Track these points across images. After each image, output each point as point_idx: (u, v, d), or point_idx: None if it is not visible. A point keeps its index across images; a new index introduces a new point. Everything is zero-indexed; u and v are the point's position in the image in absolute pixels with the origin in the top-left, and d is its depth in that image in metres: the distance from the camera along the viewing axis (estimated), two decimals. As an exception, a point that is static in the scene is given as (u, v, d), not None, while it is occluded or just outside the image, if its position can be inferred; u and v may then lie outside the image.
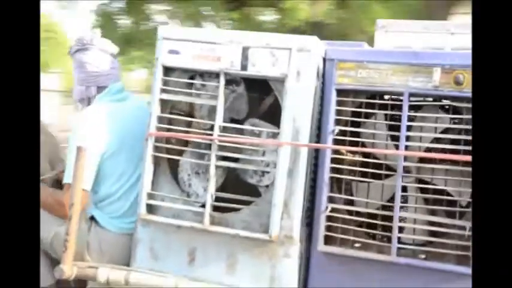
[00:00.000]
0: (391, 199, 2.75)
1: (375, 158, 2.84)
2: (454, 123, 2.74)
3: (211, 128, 2.91)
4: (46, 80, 14.76)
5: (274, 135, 2.86)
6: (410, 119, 2.74)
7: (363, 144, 2.84)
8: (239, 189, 2.96)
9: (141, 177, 3.02)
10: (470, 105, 2.63)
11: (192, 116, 3.04)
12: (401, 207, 2.71)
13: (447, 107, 2.79)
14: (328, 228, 2.81)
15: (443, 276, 2.65)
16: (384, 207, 2.78)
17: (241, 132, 2.93)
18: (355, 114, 2.85)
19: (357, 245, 2.80)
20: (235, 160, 2.92)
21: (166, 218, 2.96)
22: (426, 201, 2.76)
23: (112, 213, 3.24)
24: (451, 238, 2.66)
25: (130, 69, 16.74)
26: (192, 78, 3.00)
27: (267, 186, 2.87)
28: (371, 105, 2.82)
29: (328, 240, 2.81)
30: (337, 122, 2.83)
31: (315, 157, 2.89)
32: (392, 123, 2.78)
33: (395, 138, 2.75)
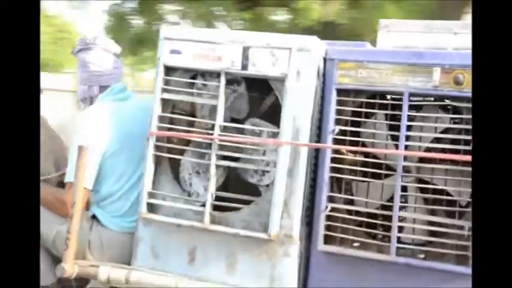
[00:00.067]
0: (391, 199, 2.74)
1: (375, 157, 2.84)
2: (454, 123, 2.74)
3: (213, 127, 2.92)
4: (60, 80, 14.81)
5: (275, 135, 2.86)
6: (411, 118, 2.74)
7: (363, 144, 2.84)
8: (240, 188, 2.97)
9: (142, 177, 3.03)
10: (470, 105, 2.62)
11: (194, 116, 3.05)
12: (401, 207, 2.71)
13: (448, 107, 2.79)
14: (328, 228, 2.81)
15: (442, 276, 2.65)
16: (383, 207, 2.77)
17: (242, 131, 2.94)
18: (355, 114, 2.85)
19: (356, 244, 2.79)
20: (236, 159, 2.93)
21: (166, 217, 2.97)
22: (426, 201, 2.75)
23: (113, 212, 3.25)
24: (450, 238, 2.66)
25: (143, 70, 16.80)
26: (193, 77, 3.02)
27: (267, 185, 2.88)
28: (371, 105, 2.82)
29: (328, 240, 2.81)
30: (338, 122, 2.83)
31: (315, 157, 2.89)
32: (393, 123, 2.77)
33: (395, 138, 2.75)
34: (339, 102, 2.83)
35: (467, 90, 2.62)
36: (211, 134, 2.92)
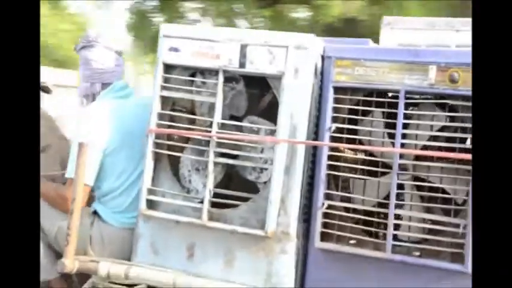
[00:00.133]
0: (388, 196, 2.75)
1: (372, 155, 2.84)
2: (450, 121, 2.73)
3: (211, 124, 2.94)
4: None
5: (272, 133, 2.88)
6: (407, 116, 2.74)
7: (360, 142, 2.84)
8: (239, 185, 2.99)
9: (142, 173, 3.06)
10: (465, 103, 2.63)
11: (194, 113, 3.08)
12: (397, 205, 2.71)
13: (444, 105, 2.78)
14: (325, 225, 2.83)
15: (438, 274, 2.65)
16: (380, 205, 2.78)
17: (240, 129, 2.96)
18: (352, 111, 2.85)
19: (352, 241, 2.80)
20: (234, 157, 2.95)
21: (165, 214, 3.00)
22: (422, 199, 2.75)
23: (114, 208, 3.29)
24: (445, 236, 2.65)
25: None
26: (193, 75, 3.03)
27: (265, 182, 2.89)
28: (368, 103, 2.82)
29: (324, 237, 2.83)
30: (335, 120, 2.84)
31: (313, 154, 2.90)
32: (389, 120, 2.77)
33: (392, 136, 2.75)
34: (336, 100, 2.84)
35: (462, 88, 2.62)
36: (210, 132, 2.93)
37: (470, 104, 2.60)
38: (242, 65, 2.90)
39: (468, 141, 2.63)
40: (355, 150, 2.90)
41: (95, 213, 3.29)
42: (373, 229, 2.78)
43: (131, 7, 12.17)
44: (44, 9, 14.48)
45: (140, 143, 3.09)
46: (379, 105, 2.81)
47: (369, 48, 2.88)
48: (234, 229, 2.86)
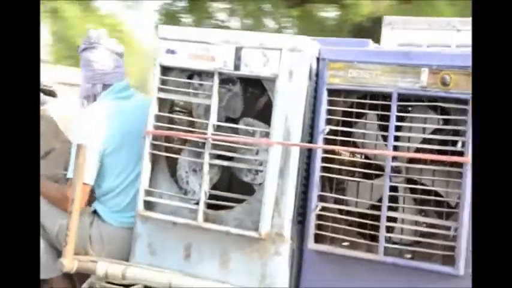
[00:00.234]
0: (381, 199, 2.74)
1: (366, 157, 2.84)
2: (443, 124, 2.72)
3: (208, 126, 2.96)
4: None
5: (268, 135, 2.89)
6: (401, 119, 2.73)
7: (354, 144, 2.84)
8: (235, 187, 3.02)
9: (140, 173, 3.10)
10: (457, 106, 2.62)
11: (192, 115, 3.10)
12: (390, 207, 2.71)
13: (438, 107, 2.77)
14: (319, 227, 2.83)
15: (429, 276, 2.65)
16: (373, 207, 2.78)
17: (236, 131, 2.97)
18: (346, 114, 2.85)
19: (345, 243, 2.81)
20: (230, 158, 2.97)
21: (162, 215, 3.03)
22: (415, 201, 2.75)
23: (113, 207, 3.33)
24: (437, 238, 2.65)
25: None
26: (190, 77, 3.06)
27: (260, 184, 2.91)
28: (362, 105, 2.82)
29: (318, 239, 2.84)
30: (329, 122, 2.84)
31: (307, 156, 2.90)
32: (382, 123, 2.77)
33: (386, 139, 2.74)
34: (330, 102, 2.84)
35: (454, 91, 2.61)
36: (207, 133, 2.95)
37: (462, 106, 2.60)
38: (237, 67, 2.91)
39: (459, 144, 2.62)
40: (349, 153, 2.90)
41: (95, 212, 3.33)
42: (366, 231, 2.78)
43: (160, 8, 12.29)
44: (76, 11, 14.66)
45: (139, 143, 3.12)
46: (372, 107, 2.80)
47: (362, 50, 2.87)
48: (228, 230, 2.88)
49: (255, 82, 2.96)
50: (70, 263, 2.96)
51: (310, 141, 2.89)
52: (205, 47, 2.97)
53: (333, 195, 2.84)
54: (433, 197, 2.69)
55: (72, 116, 3.59)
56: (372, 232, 2.75)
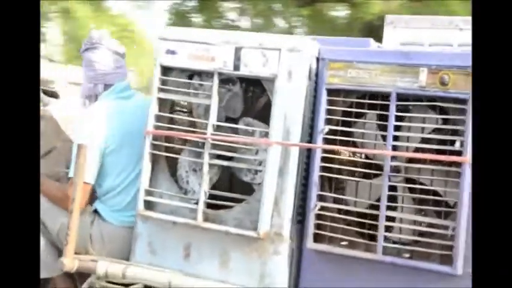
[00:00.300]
0: (380, 198, 2.74)
1: (366, 157, 2.84)
2: (442, 123, 2.71)
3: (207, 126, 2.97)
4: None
5: (267, 135, 2.89)
6: (400, 118, 2.73)
7: (354, 144, 2.84)
8: (235, 186, 3.02)
9: (141, 173, 3.11)
10: (456, 106, 2.61)
11: (192, 115, 3.11)
12: (389, 207, 2.71)
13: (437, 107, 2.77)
14: (318, 226, 2.83)
15: (427, 276, 2.65)
16: (372, 206, 2.78)
17: (235, 130, 2.98)
18: (346, 113, 2.85)
19: (344, 243, 2.81)
20: (230, 158, 2.97)
21: (162, 214, 3.04)
22: (414, 201, 2.74)
23: (114, 206, 3.35)
24: (435, 238, 2.65)
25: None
26: (190, 77, 3.07)
27: (259, 184, 2.91)
28: (361, 105, 2.82)
29: (317, 238, 2.84)
30: (328, 122, 2.84)
31: (307, 156, 2.91)
32: (382, 122, 2.77)
33: (385, 138, 2.74)
34: (330, 102, 2.84)
35: (452, 91, 2.60)
36: (206, 133, 2.96)
37: (460, 106, 2.59)
38: (236, 67, 2.92)
39: (457, 144, 2.61)
40: (348, 152, 2.90)
41: (96, 211, 3.35)
42: (365, 230, 2.78)
43: (170, 8, 12.28)
44: (87, 11, 14.70)
45: (140, 142, 3.13)
46: (371, 107, 2.80)
47: (361, 50, 2.87)
48: (227, 230, 2.89)
49: (254, 82, 2.97)
50: (71, 262, 2.97)
51: (310, 141, 2.89)
52: (205, 47, 2.97)
53: (332, 194, 2.85)
54: (431, 197, 2.69)
55: (74, 116, 3.60)
56: (371, 231, 2.76)
